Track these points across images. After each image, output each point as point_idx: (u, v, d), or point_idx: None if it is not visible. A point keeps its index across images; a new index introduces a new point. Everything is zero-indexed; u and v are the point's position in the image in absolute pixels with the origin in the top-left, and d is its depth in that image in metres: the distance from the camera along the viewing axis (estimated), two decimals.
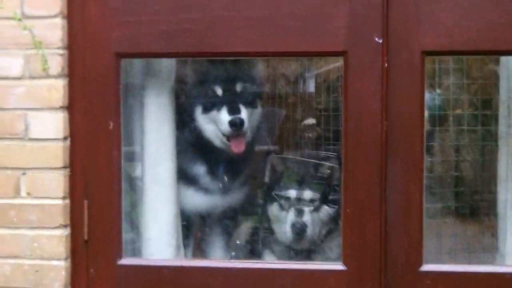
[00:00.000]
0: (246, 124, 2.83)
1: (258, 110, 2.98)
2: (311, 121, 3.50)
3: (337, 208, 2.82)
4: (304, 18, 2.38)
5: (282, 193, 3.00)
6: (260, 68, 3.12)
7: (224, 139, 2.87)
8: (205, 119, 2.92)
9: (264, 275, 2.47)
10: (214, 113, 2.88)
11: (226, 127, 2.83)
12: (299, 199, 2.98)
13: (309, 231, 2.91)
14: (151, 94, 2.78)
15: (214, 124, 2.89)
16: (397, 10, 2.34)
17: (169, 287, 2.50)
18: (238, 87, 2.92)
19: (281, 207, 2.98)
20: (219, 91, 2.90)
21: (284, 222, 2.95)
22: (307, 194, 2.98)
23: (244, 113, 2.84)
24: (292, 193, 2.99)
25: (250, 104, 2.91)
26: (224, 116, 2.84)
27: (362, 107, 2.37)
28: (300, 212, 2.94)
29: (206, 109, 2.90)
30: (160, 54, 2.55)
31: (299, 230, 2.90)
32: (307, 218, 2.93)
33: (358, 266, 2.39)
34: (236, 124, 2.81)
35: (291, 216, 2.94)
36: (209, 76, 2.95)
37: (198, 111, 2.93)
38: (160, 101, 2.79)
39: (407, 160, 2.37)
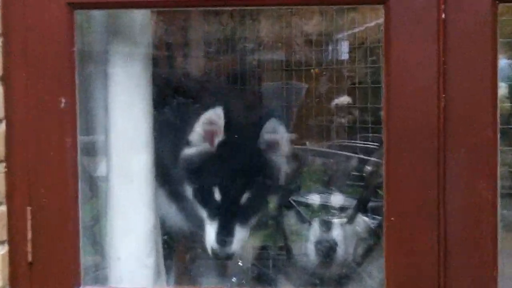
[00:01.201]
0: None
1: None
2: (345, 99, 3.49)
3: (380, 218, 2.82)
4: None
5: (303, 199, 3.05)
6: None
7: None
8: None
9: None
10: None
11: None
12: (326, 207, 3.02)
13: (340, 250, 2.94)
14: (119, 61, 2.80)
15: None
16: None
17: None
18: None
19: (301, 219, 3.03)
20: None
21: (305, 238, 2.99)
22: (337, 199, 3.03)
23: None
24: (316, 198, 3.03)
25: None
26: None
27: (410, 77, 2.38)
28: (327, 225, 2.97)
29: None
30: (129, 4, 2.57)
31: (327, 250, 2.94)
32: (337, 232, 2.95)
33: None
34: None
35: (315, 230, 2.97)
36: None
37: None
38: (131, 70, 2.82)
39: (474, 150, 2.37)
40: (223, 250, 2.98)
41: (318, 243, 2.94)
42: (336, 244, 2.93)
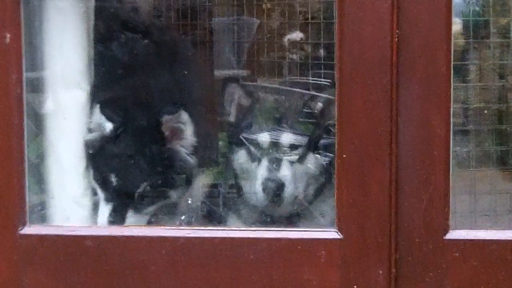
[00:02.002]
0: None
1: None
2: (297, 35, 3.49)
3: (331, 156, 2.85)
4: None
5: (253, 136, 3.06)
6: None
7: None
8: None
9: (227, 247, 2.50)
10: None
11: None
12: (276, 145, 3.02)
13: (288, 190, 2.96)
14: None
15: None
16: None
17: (94, 264, 2.52)
18: None
19: (251, 157, 3.04)
20: None
21: (254, 177, 3.00)
22: (287, 137, 3.03)
23: None
24: (265, 136, 3.03)
25: None
26: None
27: (364, 12, 2.38)
28: (276, 164, 2.98)
29: None
30: None
31: (274, 190, 2.95)
32: (286, 172, 2.97)
33: (359, 233, 2.43)
34: None
35: (262, 170, 2.99)
36: None
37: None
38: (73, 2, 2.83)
39: (427, 86, 2.40)
40: None
41: (265, 183, 2.96)
42: (284, 185, 2.95)
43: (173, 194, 3.04)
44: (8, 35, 2.46)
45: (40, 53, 2.85)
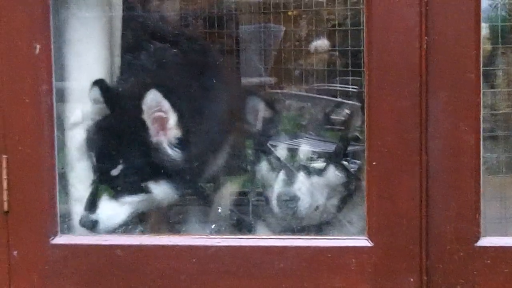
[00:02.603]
0: None
1: None
2: (323, 43, 3.49)
3: (359, 163, 2.90)
4: None
5: (280, 144, 3.06)
6: None
7: None
8: None
9: (256, 255, 2.52)
10: None
11: None
12: (295, 155, 3.02)
13: (304, 204, 2.95)
14: (89, 5, 2.83)
15: None
16: None
17: (124, 274, 2.54)
18: None
19: (272, 167, 3.04)
20: None
21: (272, 190, 3.00)
22: (314, 144, 3.04)
23: None
24: (282, 151, 3.03)
25: None
26: None
27: (392, 19, 2.40)
28: (291, 177, 2.98)
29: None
30: None
31: (287, 204, 2.95)
32: (300, 185, 2.97)
33: (389, 241, 2.44)
34: None
35: (278, 183, 2.98)
36: None
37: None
38: (100, 15, 2.85)
39: (456, 92, 2.40)
40: (86, 216, 2.95)
41: (279, 197, 2.95)
42: (298, 199, 2.93)
43: (153, 187, 2.98)
44: (38, 46, 2.48)
45: (68, 63, 2.86)
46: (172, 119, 2.90)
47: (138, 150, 2.97)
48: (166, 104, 2.88)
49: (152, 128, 2.90)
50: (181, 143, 2.96)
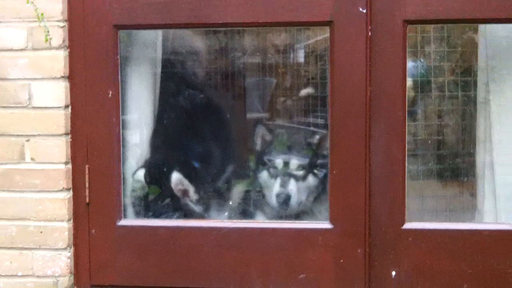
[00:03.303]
0: None
1: None
2: (308, 91, 3.45)
3: (325, 171, 2.80)
4: None
5: (272, 159, 3.00)
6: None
7: None
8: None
9: (255, 234, 2.52)
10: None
11: None
12: (286, 167, 2.97)
13: (293, 200, 2.91)
14: (139, 64, 2.80)
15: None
16: None
17: (165, 246, 2.54)
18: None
19: (270, 174, 2.98)
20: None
21: (271, 189, 2.95)
22: (294, 162, 2.98)
23: None
24: (279, 162, 2.98)
25: None
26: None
27: (347, 75, 2.41)
28: (285, 182, 2.93)
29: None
30: (156, 25, 2.56)
31: (283, 200, 2.91)
32: (292, 187, 2.93)
33: (344, 224, 2.44)
34: None
35: (276, 185, 2.93)
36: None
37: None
38: (145, 71, 2.83)
39: (390, 124, 2.41)
40: None
41: (278, 195, 2.91)
42: (290, 196, 2.90)
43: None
44: (110, 92, 2.51)
45: (128, 103, 2.80)
46: (191, 190, 2.91)
47: (176, 205, 2.96)
48: (185, 181, 2.89)
49: (179, 195, 2.91)
50: (199, 201, 2.96)
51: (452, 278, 2.43)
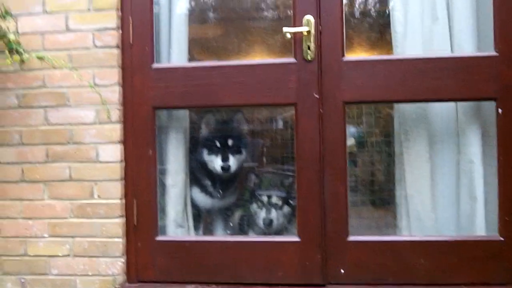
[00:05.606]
0: (232, 168, 2.82)
1: (243, 156, 2.90)
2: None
3: (295, 202, 2.61)
4: (269, 82, 2.42)
5: (260, 194, 2.94)
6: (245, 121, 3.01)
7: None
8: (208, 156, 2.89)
9: (248, 245, 2.49)
10: (213, 157, 2.86)
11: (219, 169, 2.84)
12: (270, 199, 2.92)
13: (274, 222, 2.86)
14: (174, 132, 2.74)
15: (213, 163, 2.87)
16: (328, 77, 2.38)
17: (187, 254, 2.50)
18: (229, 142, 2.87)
19: (258, 206, 2.93)
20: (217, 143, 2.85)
21: (259, 216, 2.90)
22: (275, 196, 2.93)
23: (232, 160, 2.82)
24: (265, 196, 2.92)
25: (237, 152, 2.86)
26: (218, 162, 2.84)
27: (307, 137, 2.40)
28: (268, 211, 2.88)
29: (209, 152, 2.87)
30: (180, 106, 2.57)
31: (268, 222, 2.85)
32: (273, 214, 2.87)
33: (307, 237, 2.41)
34: (225, 168, 2.83)
35: (263, 213, 2.88)
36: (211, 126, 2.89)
37: (205, 152, 2.88)
38: (181, 137, 2.76)
39: (336, 170, 2.39)
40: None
41: (264, 220, 2.86)
42: (272, 221, 2.85)
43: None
44: (150, 151, 2.47)
45: (163, 158, 2.72)
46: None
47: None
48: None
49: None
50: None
51: (382, 272, 2.39)
